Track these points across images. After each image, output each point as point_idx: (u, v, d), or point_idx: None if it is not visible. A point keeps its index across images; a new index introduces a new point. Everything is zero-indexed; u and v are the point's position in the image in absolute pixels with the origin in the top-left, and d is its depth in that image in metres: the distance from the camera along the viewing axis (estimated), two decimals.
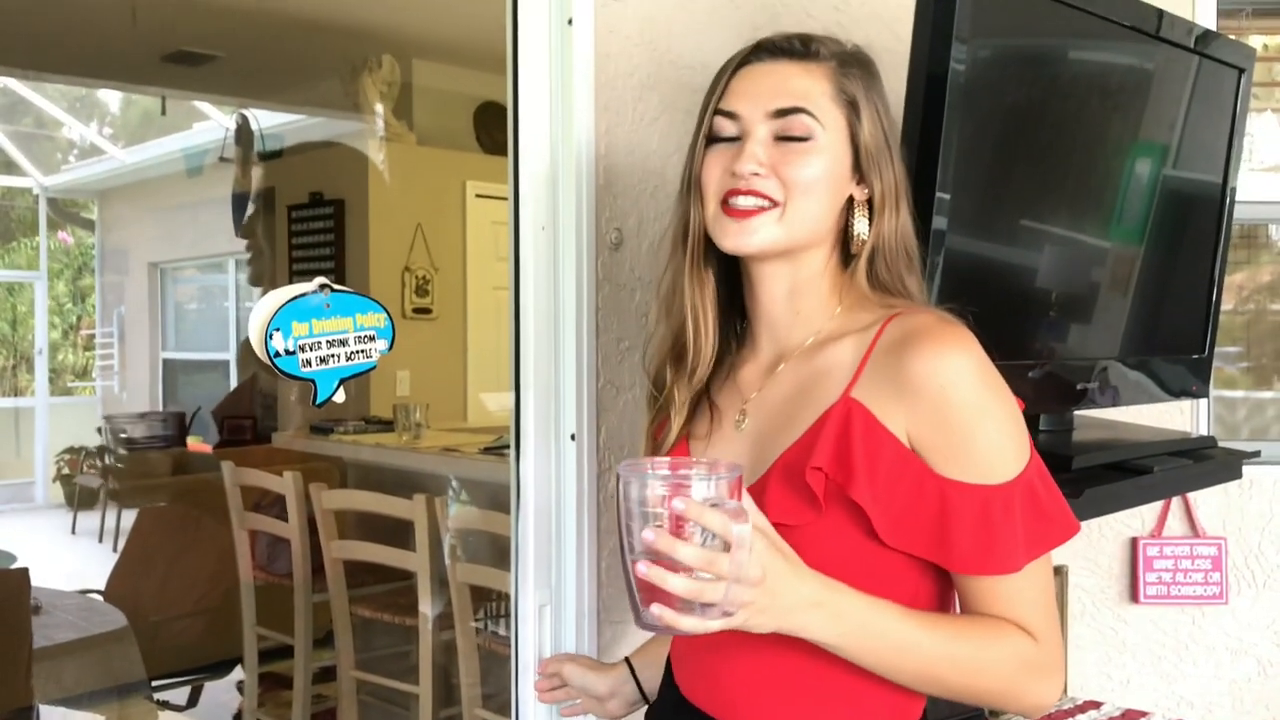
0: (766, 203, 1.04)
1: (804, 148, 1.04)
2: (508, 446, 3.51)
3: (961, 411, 0.95)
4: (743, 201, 1.04)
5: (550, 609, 1.60)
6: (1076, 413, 1.76)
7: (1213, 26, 2.33)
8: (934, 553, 0.97)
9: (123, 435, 6.13)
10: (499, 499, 3.32)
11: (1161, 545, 2.32)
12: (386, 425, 3.95)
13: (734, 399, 1.12)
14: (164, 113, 6.17)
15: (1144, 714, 1.90)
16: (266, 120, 5.97)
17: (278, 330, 1.23)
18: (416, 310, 5.26)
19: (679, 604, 0.85)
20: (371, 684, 3.11)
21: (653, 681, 1.26)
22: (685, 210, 1.10)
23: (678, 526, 0.85)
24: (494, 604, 2.90)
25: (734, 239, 1.05)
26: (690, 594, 0.84)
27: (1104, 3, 1.58)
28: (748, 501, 0.88)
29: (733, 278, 1.14)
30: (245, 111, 6.06)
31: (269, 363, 1.23)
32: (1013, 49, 1.53)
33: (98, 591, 3.76)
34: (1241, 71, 1.85)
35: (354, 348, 1.32)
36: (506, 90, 1.70)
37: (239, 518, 3.34)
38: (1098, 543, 2.37)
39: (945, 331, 0.98)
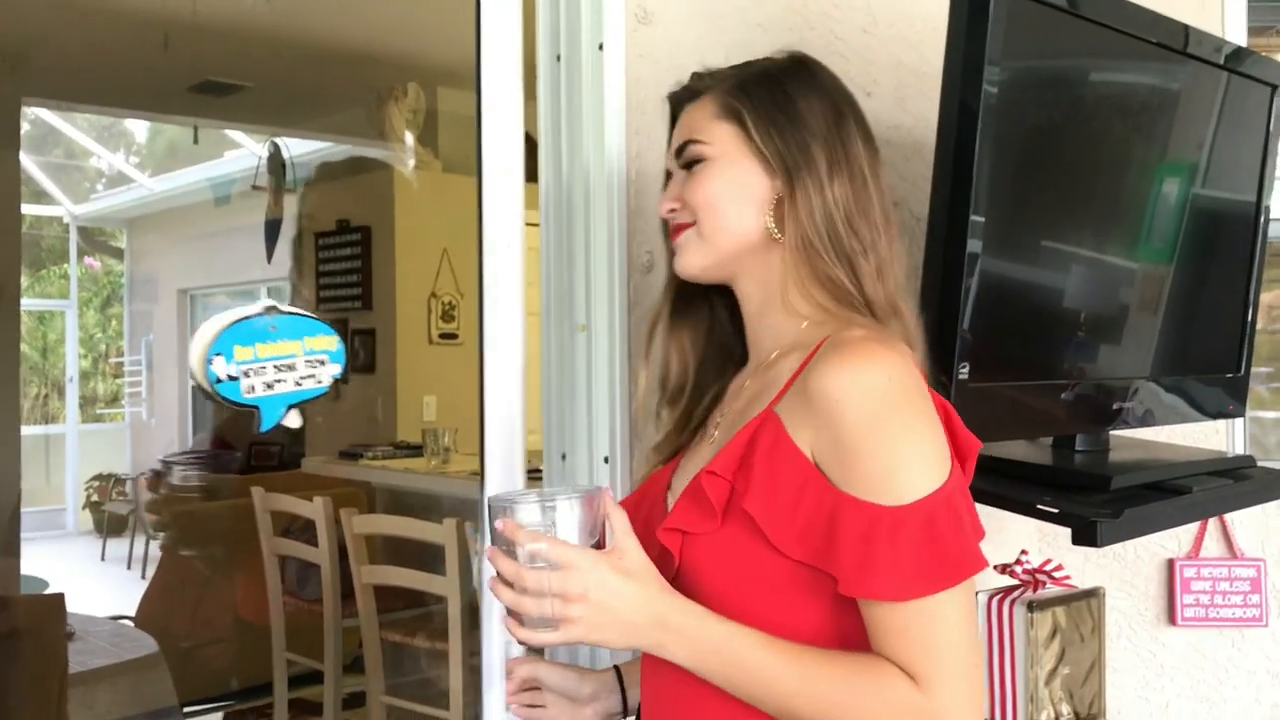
0: (685, 227, 1.14)
1: (698, 170, 1.13)
2: (537, 470, 3.52)
3: (854, 427, 0.95)
4: (673, 232, 1.17)
5: None
6: (1112, 433, 1.75)
7: (1243, 44, 2.33)
8: (827, 565, 0.96)
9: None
10: None
11: (1199, 566, 2.29)
12: (415, 450, 3.97)
13: (717, 414, 1.19)
14: (196, 141, 6.24)
15: None
16: (293, 149, 6.03)
17: (219, 355, 1.20)
18: (443, 336, 5.29)
19: (513, 617, 0.99)
20: (401, 709, 3.11)
21: (636, 700, 1.25)
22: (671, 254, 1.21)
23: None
24: None
25: (674, 264, 1.17)
26: (509, 603, 0.98)
27: (1133, 20, 1.58)
28: (617, 521, 0.98)
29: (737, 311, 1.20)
30: (277, 140, 6.14)
31: (209, 390, 1.19)
32: (1042, 70, 1.53)
33: (128, 618, 3.79)
34: (1274, 89, 1.85)
35: (303, 372, 1.28)
36: (539, 115, 1.72)
37: (269, 543, 3.35)
38: (1133, 564, 2.35)
39: (858, 348, 0.98)
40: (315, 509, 3.16)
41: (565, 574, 0.95)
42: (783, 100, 1.12)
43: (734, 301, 1.19)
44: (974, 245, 1.36)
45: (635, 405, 1.66)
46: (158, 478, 5.87)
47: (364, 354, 5.31)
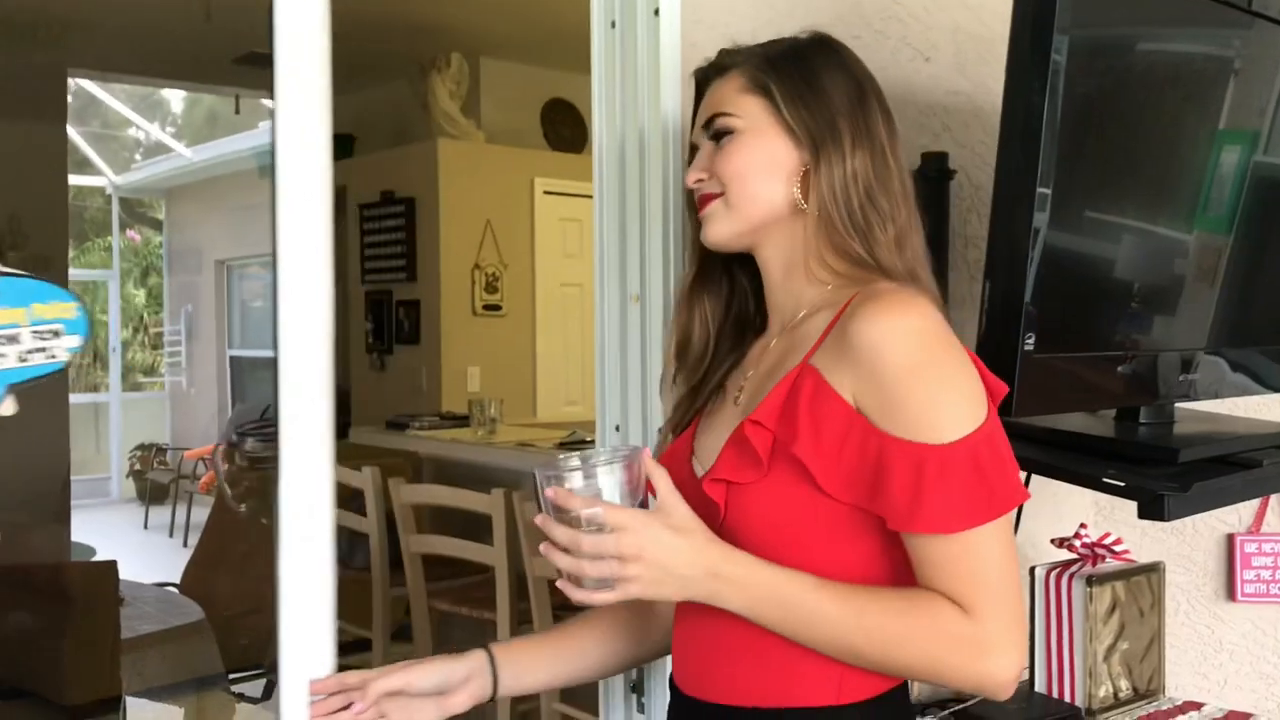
0: (712, 198, 1.17)
1: (727, 142, 1.16)
2: (583, 441, 3.52)
3: (896, 370, 0.98)
4: (700, 202, 1.19)
5: None
6: (1176, 405, 1.72)
7: None
8: (877, 505, 1.00)
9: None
10: None
11: (1260, 542, 2.25)
12: (461, 420, 3.99)
13: (737, 377, 1.21)
14: (238, 112, 6.27)
15: (1247, 715, 1.85)
16: (336, 120, 6.02)
17: None
18: (486, 307, 5.30)
19: (570, 578, 1.00)
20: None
21: (511, 681, 1.23)
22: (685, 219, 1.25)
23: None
24: None
25: (702, 233, 1.19)
26: (568, 569, 0.99)
27: None
28: (661, 481, 1.00)
29: (756, 277, 1.23)
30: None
31: None
32: (1108, 37, 1.49)
33: (174, 585, 3.83)
34: None
35: (29, 345, 1.04)
36: (593, 83, 1.69)
37: None
38: (1192, 539, 2.31)
39: (890, 296, 1.03)
40: (364, 479, 3.18)
41: (620, 535, 0.97)
42: (809, 75, 1.16)
43: (753, 270, 1.22)
44: (1040, 217, 1.34)
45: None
46: (232, 448, 5.94)
47: (408, 325, 5.33)
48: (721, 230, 1.16)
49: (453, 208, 5.17)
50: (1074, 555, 1.82)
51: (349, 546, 3.49)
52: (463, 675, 1.20)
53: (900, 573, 1.03)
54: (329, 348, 1.26)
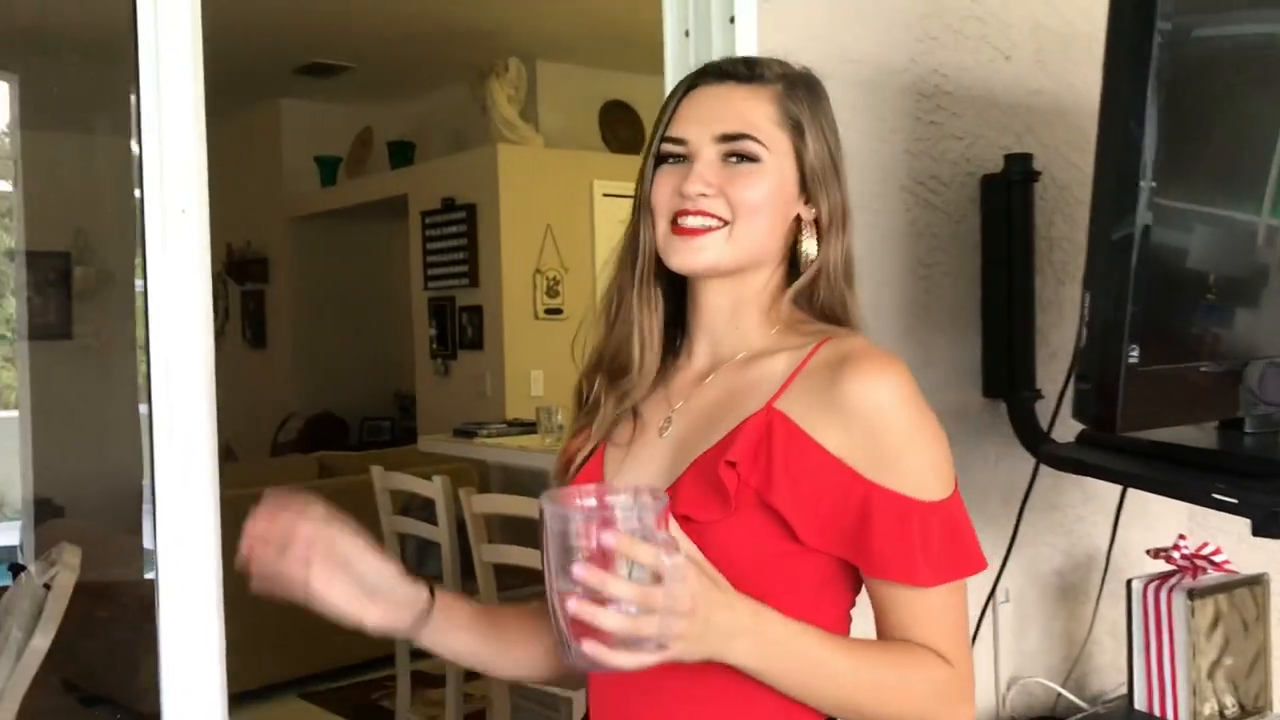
0: (715, 222, 1.07)
1: (750, 169, 1.07)
2: None
3: (894, 434, 1.00)
4: (692, 221, 1.07)
5: None
6: None
7: None
8: (853, 553, 1.01)
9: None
10: None
11: None
12: (527, 427, 3.98)
13: (660, 407, 1.13)
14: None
15: None
16: (397, 128, 6.09)
17: None
18: (548, 311, 5.30)
19: (613, 640, 0.84)
20: (523, 686, 3.13)
21: (430, 638, 1.12)
22: (636, 229, 1.12)
23: (603, 558, 0.83)
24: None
25: (682, 257, 1.08)
26: (625, 630, 0.84)
27: None
28: (675, 529, 0.90)
29: (677, 291, 1.16)
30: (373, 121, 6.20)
31: None
32: (1212, 23, 1.43)
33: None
34: None
35: None
36: (665, 93, 1.66)
37: (388, 521, 3.39)
38: None
39: (880, 357, 1.03)
40: (435, 488, 3.18)
41: (678, 587, 0.86)
42: (827, 126, 1.13)
43: (682, 287, 1.15)
44: (1142, 222, 1.28)
45: None
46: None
47: (471, 330, 5.35)
48: (712, 260, 1.07)
49: (513, 212, 5.17)
50: (1172, 567, 1.77)
51: (419, 555, 3.51)
52: (398, 598, 1.08)
53: (846, 623, 1.07)
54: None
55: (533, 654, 1.18)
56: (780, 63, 1.13)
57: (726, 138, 1.07)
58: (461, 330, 5.40)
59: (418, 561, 3.50)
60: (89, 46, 4.60)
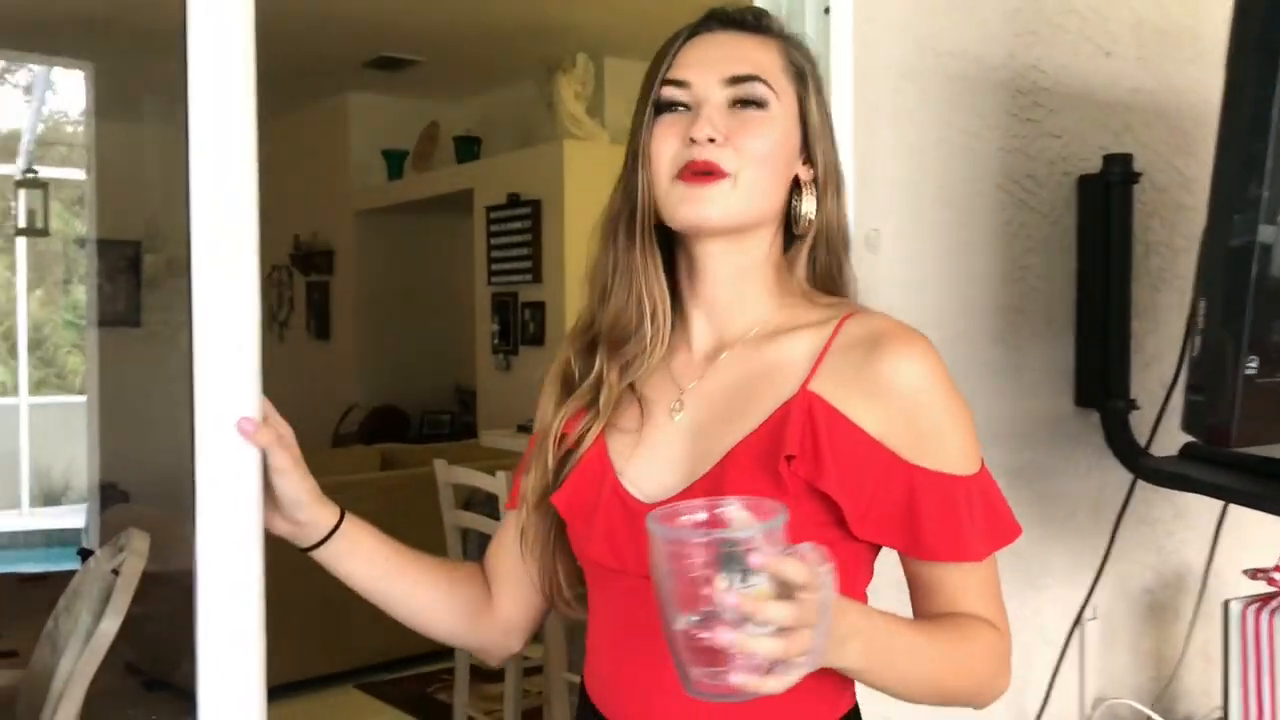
0: (719, 173, 1.00)
1: (760, 116, 1.02)
2: None
3: (934, 412, 0.98)
4: (699, 169, 1.00)
5: None
6: None
7: None
8: (903, 540, 0.99)
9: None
10: None
11: None
12: None
13: (665, 389, 1.06)
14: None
15: None
16: (463, 123, 6.09)
17: None
18: None
19: (763, 665, 0.78)
20: (579, 682, 3.10)
21: (332, 556, 1.08)
22: (632, 185, 1.04)
23: (706, 581, 0.76)
24: None
25: (691, 208, 1.00)
26: (778, 653, 0.77)
27: None
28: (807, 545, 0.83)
29: (669, 263, 1.08)
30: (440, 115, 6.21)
31: None
32: None
33: None
34: None
35: None
36: None
37: (450, 515, 3.38)
38: None
39: (914, 336, 1.00)
40: (498, 483, 3.16)
41: (828, 596, 0.80)
42: (821, 88, 1.09)
43: (672, 257, 1.07)
44: (1266, 234, 1.21)
45: None
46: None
47: (534, 326, 5.33)
48: (721, 212, 1.00)
49: (578, 208, 5.15)
50: (1273, 589, 1.69)
51: (481, 550, 3.48)
52: (305, 516, 1.06)
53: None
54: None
55: (437, 609, 1.14)
56: (780, 20, 1.10)
57: (737, 80, 1.01)
58: (524, 326, 5.39)
59: (480, 556, 3.48)
60: (162, 35, 4.64)
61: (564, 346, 1.12)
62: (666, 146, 1.01)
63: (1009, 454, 1.72)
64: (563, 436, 1.07)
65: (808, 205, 1.05)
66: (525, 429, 3.96)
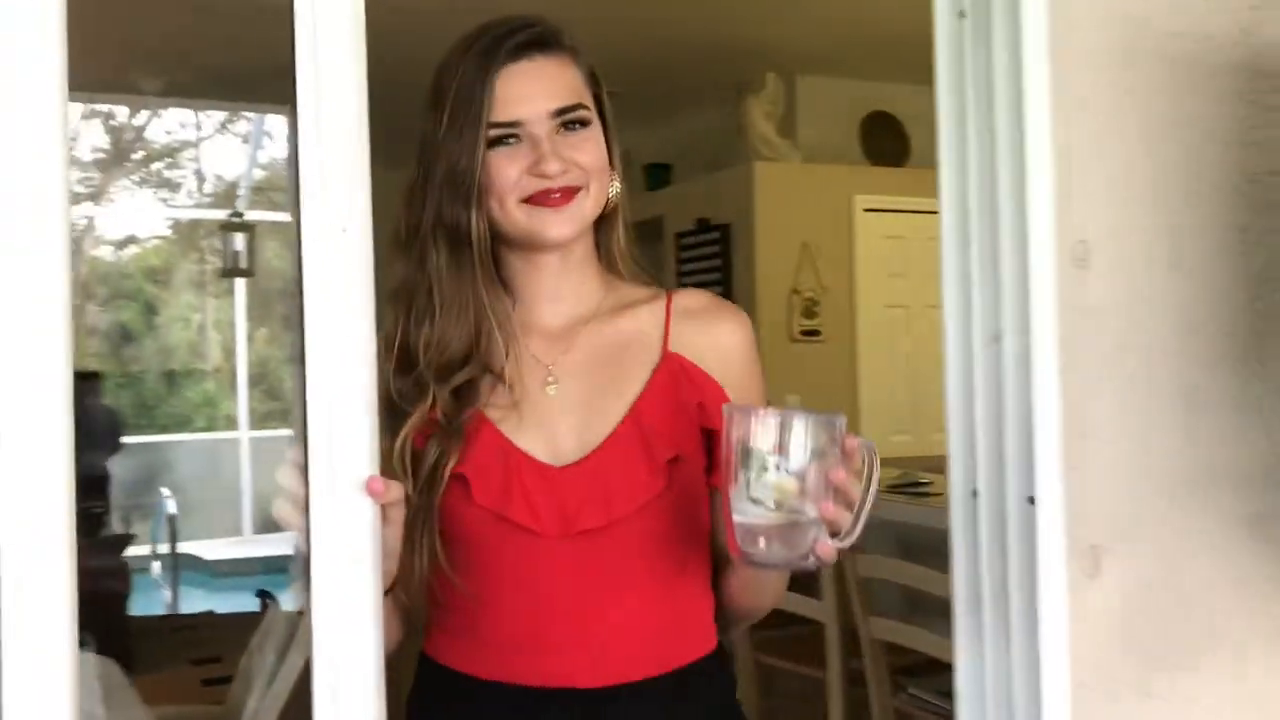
0: (572, 191, 1.12)
1: (585, 134, 1.14)
2: (916, 485, 3.22)
3: (753, 365, 1.22)
4: (556, 194, 1.11)
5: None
6: None
7: None
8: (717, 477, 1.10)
9: None
10: (911, 544, 3.03)
11: None
12: None
13: (530, 366, 1.16)
14: None
15: None
16: (653, 150, 6.05)
17: None
18: (805, 333, 5.08)
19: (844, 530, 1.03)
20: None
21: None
22: (462, 217, 1.11)
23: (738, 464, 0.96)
24: (913, 665, 2.61)
25: (558, 228, 1.12)
26: (847, 523, 1.03)
27: None
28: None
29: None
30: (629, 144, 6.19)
31: None
32: None
33: None
34: None
35: None
36: (936, 82, 1.44)
37: None
38: None
39: (738, 308, 1.24)
40: None
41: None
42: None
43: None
44: None
45: (1069, 431, 1.35)
46: None
47: None
48: (581, 225, 1.14)
49: (769, 231, 5.00)
50: None
51: None
52: (390, 565, 1.00)
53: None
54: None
55: (392, 629, 1.09)
56: (540, 19, 1.17)
57: (562, 111, 1.12)
58: None
59: None
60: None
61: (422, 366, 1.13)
62: (509, 179, 1.10)
63: (1245, 500, 1.46)
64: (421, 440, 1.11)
65: (614, 188, 1.18)
66: None
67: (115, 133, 9.19)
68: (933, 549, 2.83)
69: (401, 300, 1.14)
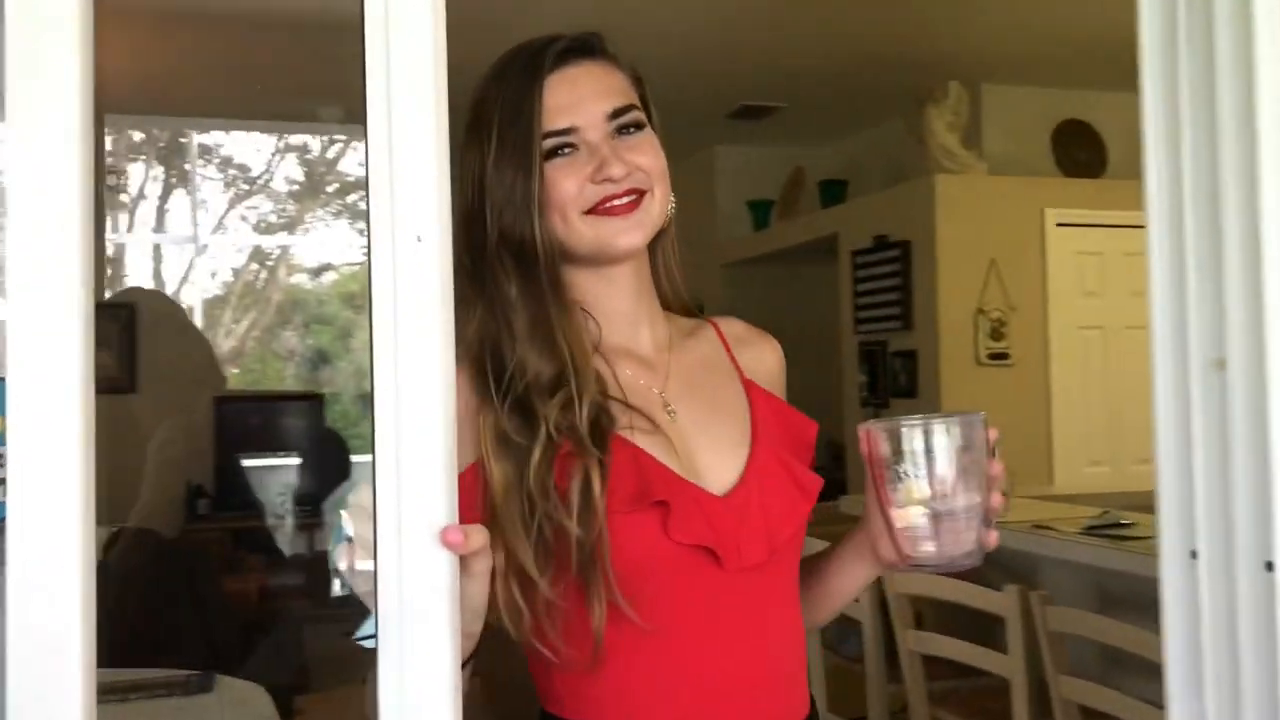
0: (637, 195, 1.06)
1: (644, 136, 1.09)
2: (1117, 525, 2.91)
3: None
4: (621, 201, 1.05)
5: None
6: None
7: None
8: None
9: None
10: (1111, 593, 2.73)
11: None
12: None
13: (643, 395, 1.09)
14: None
15: None
16: (828, 166, 5.85)
17: None
18: (992, 356, 4.77)
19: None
20: None
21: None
22: (528, 235, 1.04)
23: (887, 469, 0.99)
24: None
25: (628, 236, 1.06)
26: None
27: None
28: None
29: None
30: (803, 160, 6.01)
31: None
32: None
33: None
34: None
35: None
36: (1141, 75, 1.23)
37: None
38: None
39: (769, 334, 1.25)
40: None
41: None
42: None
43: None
44: None
45: None
46: None
47: (905, 377, 4.94)
48: (650, 231, 1.08)
49: (952, 248, 4.72)
50: None
51: (839, 632, 3.16)
52: (478, 627, 0.91)
53: None
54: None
55: None
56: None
57: (617, 113, 1.07)
58: (894, 377, 5.00)
59: (837, 640, 3.15)
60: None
61: (463, 395, 0.97)
62: (568, 189, 1.04)
63: None
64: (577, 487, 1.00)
65: (670, 201, 1.12)
66: None
67: (310, 165, 9.58)
68: (1136, 599, 2.54)
69: (484, 332, 1.07)
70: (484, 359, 1.05)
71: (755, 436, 1.10)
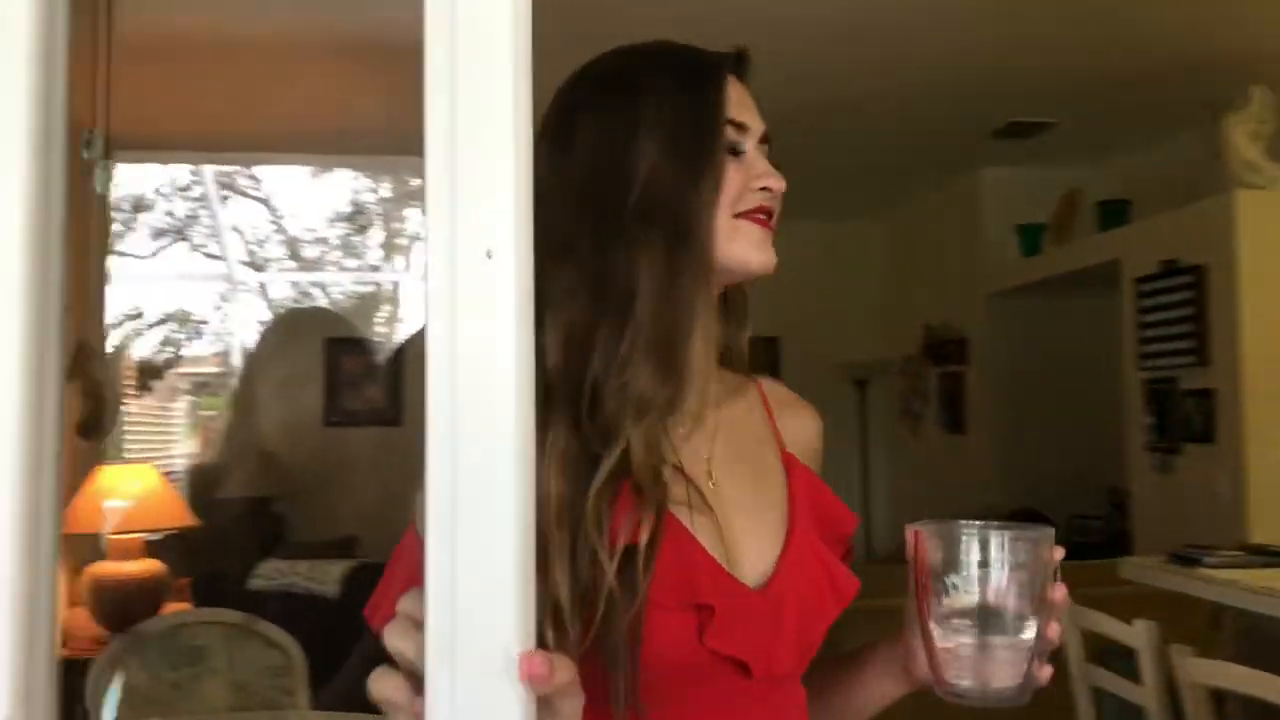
0: (774, 217, 1.01)
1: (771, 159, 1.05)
2: None
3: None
4: (765, 216, 0.99)
5: None
6: None
7: None
8: None
9: None
10: None
11: None
12: (1276, 558, 2.97)
13: (691, 457, 0.98)
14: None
15: None
16: (1106, 186, 5.34)
17: None
18: None
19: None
20: None
21: None
22: (689, 223, 0.94)
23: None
24: None
25: (766, 255, 0.99)
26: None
27: None
28: None
29: None
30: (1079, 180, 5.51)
31: None
32: None
33: None
34: None
35: None
36: None
37: (1079, 668, 2.67)
38: None
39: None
40: (1137, 635, 2.42)
41: None
42: None
43: None
44: None
45: None
46: None
47: (1199, 420, 4.36)
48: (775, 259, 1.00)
49: (1256, 272, 4.13)
50: None
51: (1118, 714, 2.73)
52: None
53: None
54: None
55: None
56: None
57: (768, 136, 1.02)
58: (1186, 419, 4.42)
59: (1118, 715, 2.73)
60: None
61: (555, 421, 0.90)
62: (735, 190, 0.98)
63: None
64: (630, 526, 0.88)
65: None
66: (1182, 559, 3.08)
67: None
68: None
69: (569, 337, 0.93)
70: (570, 358, 0.91)
71: (793, 520, 1.01)
